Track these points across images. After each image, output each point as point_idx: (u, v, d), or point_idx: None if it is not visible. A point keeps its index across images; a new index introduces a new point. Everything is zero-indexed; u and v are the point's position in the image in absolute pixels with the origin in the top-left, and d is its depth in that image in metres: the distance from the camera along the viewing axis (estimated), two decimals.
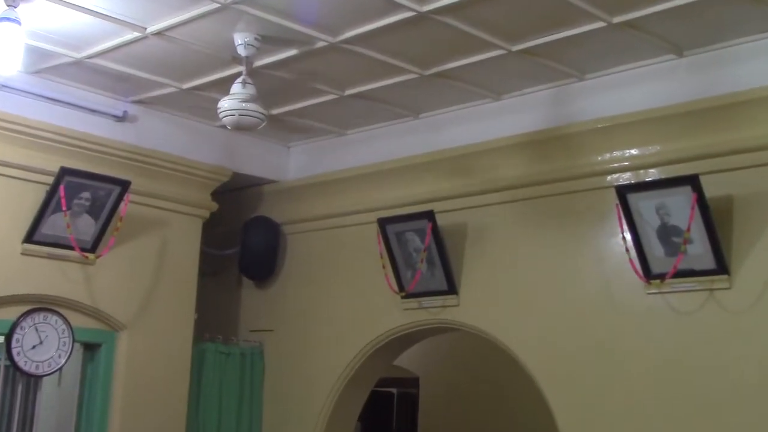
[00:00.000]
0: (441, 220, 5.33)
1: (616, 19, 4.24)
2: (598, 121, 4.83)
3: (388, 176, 5.73)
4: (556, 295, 4.96)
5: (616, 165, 4.79)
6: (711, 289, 4.39)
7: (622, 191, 4.55)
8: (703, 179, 4.31)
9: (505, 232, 5.23)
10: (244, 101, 4.49)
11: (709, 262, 4.35)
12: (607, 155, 4.83)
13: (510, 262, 5.19)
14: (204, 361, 5.99)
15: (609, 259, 4.78)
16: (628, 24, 4.28)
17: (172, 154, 5.78)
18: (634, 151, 4.74)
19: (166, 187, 5.80)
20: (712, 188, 4.34)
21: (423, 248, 5.31)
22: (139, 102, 5.60)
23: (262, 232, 6.33)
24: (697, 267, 4.39)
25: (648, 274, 4.54)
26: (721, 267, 4.33)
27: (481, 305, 5.27)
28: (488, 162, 5.28)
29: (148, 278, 5.72)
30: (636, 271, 4.55)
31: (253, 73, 4.70)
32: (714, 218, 4.33)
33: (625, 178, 4.75)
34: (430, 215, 5.30)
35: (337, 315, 5.96)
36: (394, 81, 5.06)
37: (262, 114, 4.56)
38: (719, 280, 4.36)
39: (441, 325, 5.52)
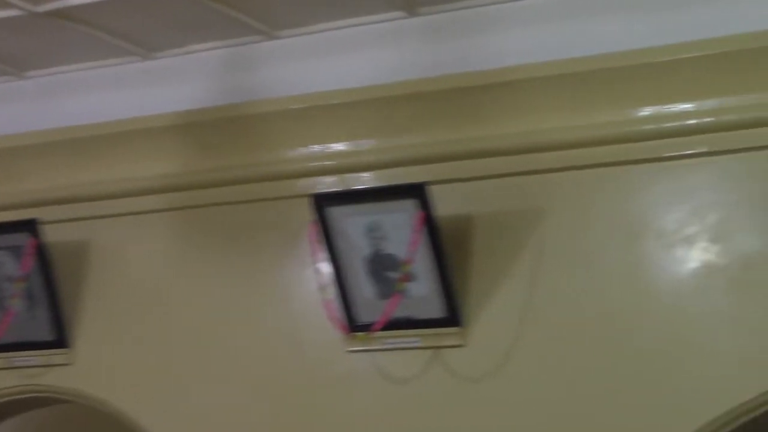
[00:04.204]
0: (51, 234, 5.13)
1: None
2: (291, 101, 4.83)
3: None
4: (220, 349, 4.92)
5: (314, 164, 4.82)
6: (437, 347, 4.46)
7: (321, 202, 4.54)
8: (434, 190, 4.34)
9: (146, 255, 5.16)
10: None
11: (436, 309, 4.41)
12: (303, 150, 4.86)
13: (152, 299, 5.10)
14: None
15: (298, 300, 4.79)
16: None
17: None
18: (340, 146, 4.79)
19: None
20: (446, 204, 4.40)
21: (19, 277, 5.10)
22: None
23: None
24: (420, 315, 4.45)
25: (351, 323, 4.57)
26: (453, 316, 4.40)
27: (106, 365, 5.14)
28: (126, 151, 5.16)
29: None
30: (334, 319, 4.57)
31: None
32: (446, 247, 4.38)
33: (327, 183, 4.79)
34: (31, 226, 5.08)
35: None
36: None
37: None
38: (449, 335, 4.44)
39: (41, 394, 5.34)
